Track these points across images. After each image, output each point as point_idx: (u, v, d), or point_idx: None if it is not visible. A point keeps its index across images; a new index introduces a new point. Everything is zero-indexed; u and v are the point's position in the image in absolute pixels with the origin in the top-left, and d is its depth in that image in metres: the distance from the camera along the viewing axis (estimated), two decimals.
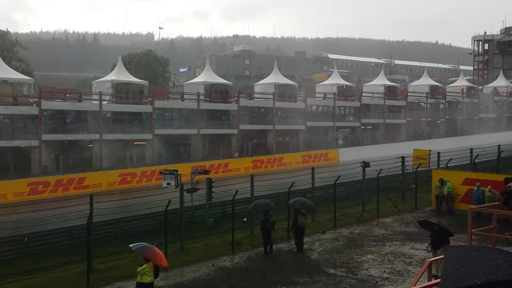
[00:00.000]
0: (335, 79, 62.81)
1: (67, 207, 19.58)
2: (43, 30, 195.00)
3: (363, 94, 60.04)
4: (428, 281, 9.42)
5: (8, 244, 18.74)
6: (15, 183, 31.80)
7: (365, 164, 24.38)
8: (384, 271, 15.10)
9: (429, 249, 14.59)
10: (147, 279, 12.03)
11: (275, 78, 56.65)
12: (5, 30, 75.64)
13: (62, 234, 19.77)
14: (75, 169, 36.21)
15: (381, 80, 65.82)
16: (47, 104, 38.63)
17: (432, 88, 67.30)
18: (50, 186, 32.60)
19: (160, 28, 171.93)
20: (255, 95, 54.40)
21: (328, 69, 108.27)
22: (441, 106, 66.94)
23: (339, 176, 23.22)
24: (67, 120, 40.50)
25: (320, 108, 56.36)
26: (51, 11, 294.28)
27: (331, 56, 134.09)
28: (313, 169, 24.78)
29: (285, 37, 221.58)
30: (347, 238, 19.19)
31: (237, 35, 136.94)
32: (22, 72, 49.49)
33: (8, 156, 35.20)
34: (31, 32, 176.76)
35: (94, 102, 41.70)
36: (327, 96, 56.75)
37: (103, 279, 15.38)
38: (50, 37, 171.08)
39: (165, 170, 25.10)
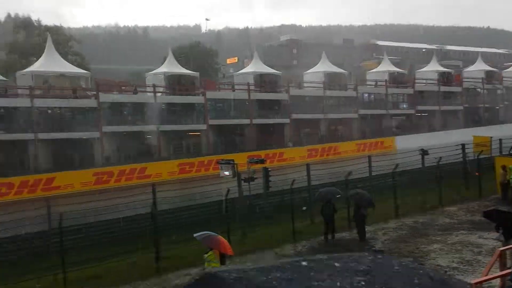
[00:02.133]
0: (386, 66, 61.54)
1: (132, 196, 20.29)
2: (95, 25, 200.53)
3: (416, 81, 58.57)
4: (500, 271, 9.19)
5: (79, 232, 19.48)
6: (82, 173, 33.15)
7: (424, 152, 23.88)
8: (453, 260, 14.79)
9: (502, 238, 14.15)
10: (214, 265, 12.33)
11: (324, 66, 56.17)
12: (59, 25, 78.06)
13: (130, 222, 20.41)
14: (135, 159, 37.29)
15: (434, 66, 63.98)
16: (105, 97, 39.85)
17: (488, 74, 64.80)
18: (114, 176, 33.78)
19: (206, 19, 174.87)
20: (305, 84, 54.15)
21: (377, 56, 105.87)
22: (499, 91, 64.38)
23: (398, 165, 22.81)
24: (125, 112, 41.69)
25: (372, 96, 55.46)
26: (102, 6, 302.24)
27: (380, 43, 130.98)
28: (369, 157, 24.55)
29: (331, 25, 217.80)
30: (411, 227, 18.91)
31: (283, 24, 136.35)
32: (78, 66, 51.15)
33: (72, 148, 36.67)
34: (83, 26, 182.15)
35: (149, 94, 42.70)
36: (379, 83, 55.74)
37: (171, 266, 15.84)
38: (102, 31, 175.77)
39: (222, 159, 25.51)
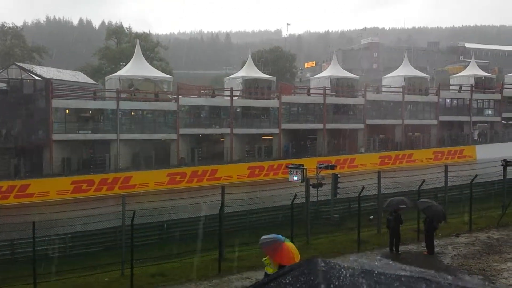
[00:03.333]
0: (472, 70, 58.45)
1: (201, 197, 20.91)
2: (181, 31, 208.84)
3: (505, 86, 55.04)
4: None
5: (149, 230, 20.48)
6: (157, 173, 34.66)
7: (507, 163, 22.41)
8: None
9: None
10: (269, 270, 12.42)
11: (405, 70, 54.54)
12: (148, 32, 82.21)
13: (197, 223, 21.06)
14: (208, 161, 38.38)
15: None
16: (184, 100, 41.35)
17: None
18: (186, 176, 35.00)
19: (288, 24, 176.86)
20: (383, 89, 52.81)
21: (464, 60, 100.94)
22: None
23: (476, 175, 21.63)
24: (202, 115, 43.01)
25: (455, 102, 52.83)
26: (188, 13, 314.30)
27: (467, 45, 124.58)
28: (446, 166, 23.43)
29: (416, 27, 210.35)
30: (484, 243, 17.84)
31: (365, 28, 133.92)
32: (162, 71, 53.56)
33: (150, 148, 38.48)
34: (170, 33, 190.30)
35: (226, 98, 43.73)
36: (463, 88, 53.05)
37: (233, 268, 16.08)
38: (187, 37, 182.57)
39: (291, 164, 25.54)
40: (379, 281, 2.84)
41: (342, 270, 2.85)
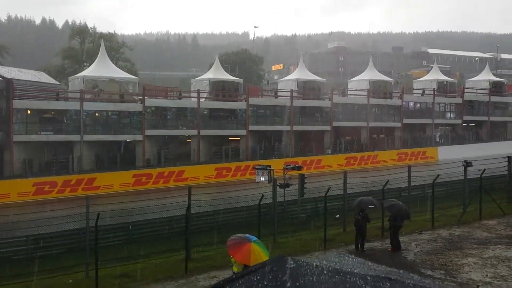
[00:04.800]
0: (435, 75, 60.11)
1: (168, 198, 20.69)
2: (147, 32, 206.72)
3: (466, 90, 56.83)
4: None
5: (114, 231, 20.16)
6: (122, 174, 34.11)
7: (467, 164, 23.07)
8: (487, 275, 14.25)
9: None
10: (235, 269, 12.37)
11: (370, 74, 55.49)
12: (113, 32, 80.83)
13: (163, 224, 20.88)
14: (175, 163, 38.01)
15: (486, 75, 61.90)
16: (150, 102, 40.89)
17: None
18: (152, 178, 34.58)
19: (255, 27, 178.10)
20: (349, 92, 53.62)
21: (427, 65, 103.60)
22: None
23: (438, 175, 22.22)
24: (168, 117, 42.61)
25: (418, 105, 54.17)
26: (154, 14, 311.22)
27: (430, 50, 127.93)
28: (409, 167, 23.96)
29: (381, 32, 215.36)
30: (446, 240, 18.33)
31: (331, 32, 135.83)
32: (128, 72, 52.74)
33: (115, 150, 37.81)
34: (136, 33, 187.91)
35: (193, 99, 43.46)
36: (426, 92, 54.45)
37: (200, 268, 16.00)
38: (153, 38, 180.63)
39: (259, 165, 25.60)
40: (345, 280, 2.84)
41: (310, 268, 2.84)
